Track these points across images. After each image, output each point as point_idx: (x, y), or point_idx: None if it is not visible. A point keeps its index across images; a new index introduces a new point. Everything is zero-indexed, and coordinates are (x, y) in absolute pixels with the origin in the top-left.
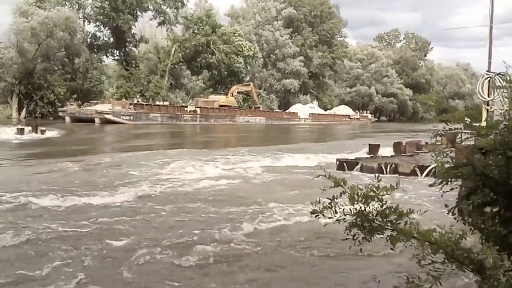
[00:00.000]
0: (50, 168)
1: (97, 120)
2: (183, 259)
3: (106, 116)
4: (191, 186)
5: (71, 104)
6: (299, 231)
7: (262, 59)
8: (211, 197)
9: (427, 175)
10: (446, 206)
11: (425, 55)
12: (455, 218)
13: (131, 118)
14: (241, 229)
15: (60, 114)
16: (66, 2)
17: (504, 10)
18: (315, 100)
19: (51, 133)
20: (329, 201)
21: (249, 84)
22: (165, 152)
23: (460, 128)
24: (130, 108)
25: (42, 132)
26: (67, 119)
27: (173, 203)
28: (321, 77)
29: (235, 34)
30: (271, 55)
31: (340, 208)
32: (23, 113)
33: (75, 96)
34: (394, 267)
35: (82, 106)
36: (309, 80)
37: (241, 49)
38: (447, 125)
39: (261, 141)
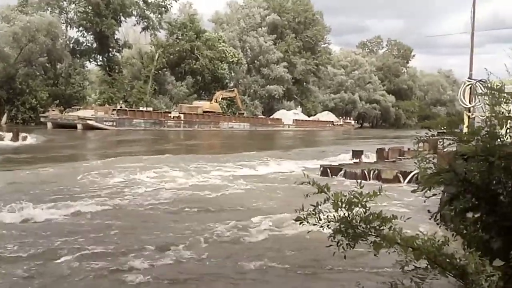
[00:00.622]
0: (11, 177)
1: (79, 126)
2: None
3: (88, 122)
4: (157, 197)
5: (53, 110)
6: (278, 239)
7: (246, 65)
8: (175, 208)
9: (409, 181)
10: (428, 211)
11: (408, 62)
12: (437, 224)
13: (114, 124)
14: (210, 243)
15: (42, 119)
16: (48, 7)
17: (486, 18)
18: (299, 106)
19: (29, 140)
20: (313, 208)
21: (233, 90)
22: (140, 159)
23: (442, 134)
24: (113, 114)
25: (24, 138)
26: (49, 125)
27: (129, 217)
28: (305, 83)
29: (219, 40)
30: (255, 61)
31: (324, 215)
32: (4, 118)
33: (57, 101)
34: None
35: (64, 112)
36: (293, 86)
37: (224, 55)
38: (430, 131)
39: (245, 147)
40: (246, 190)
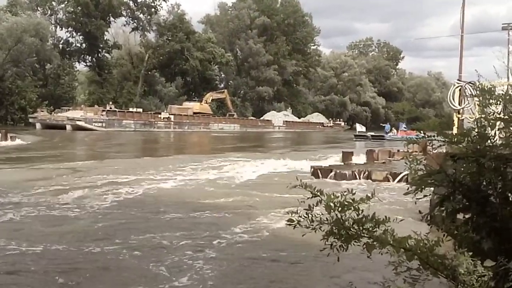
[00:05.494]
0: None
1: (68, 127)
2: None
3: (77, 122)
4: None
5: (42, 111)
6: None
7: (236, 66)
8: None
9: (399, 182)
10: (420, 212)
11: (397, 64)
12: (428, 225)
13: (104, 125)
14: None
15: (31, 120)
16: (38, 8)
17: (472, 21)
18: (289, 108)
19: (16, 142)
20: (305, 210)
21: (223, 91)
22: (117, 162)
23: (433, 136)
24: (102, 115)
25: (12, 139)
26: (38, 125)
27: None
28: (295, 85)
29: (209, 41)
30: (245, 63)
31: (316, 217)
32: None
33: (46, 102)
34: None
35: (53, 113)
36: (283, 88)
37: (214, 56)
38: (420, 133)
39: (236, 147)
40: (236, 190)
